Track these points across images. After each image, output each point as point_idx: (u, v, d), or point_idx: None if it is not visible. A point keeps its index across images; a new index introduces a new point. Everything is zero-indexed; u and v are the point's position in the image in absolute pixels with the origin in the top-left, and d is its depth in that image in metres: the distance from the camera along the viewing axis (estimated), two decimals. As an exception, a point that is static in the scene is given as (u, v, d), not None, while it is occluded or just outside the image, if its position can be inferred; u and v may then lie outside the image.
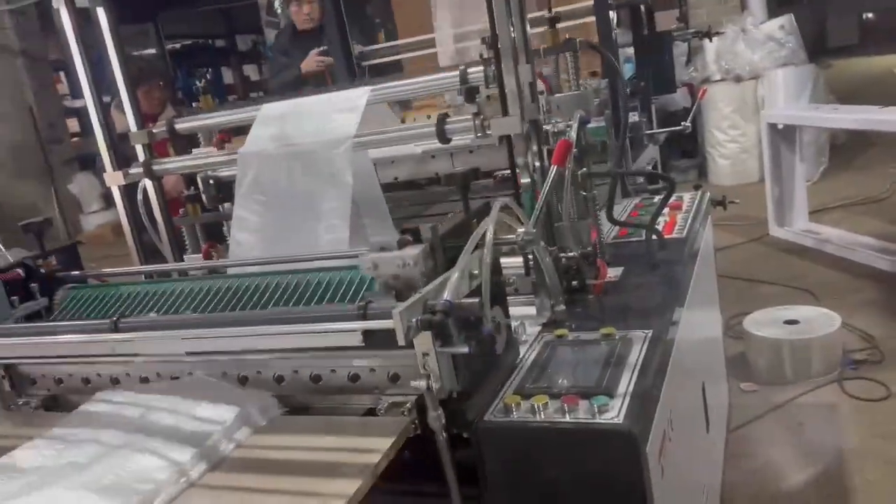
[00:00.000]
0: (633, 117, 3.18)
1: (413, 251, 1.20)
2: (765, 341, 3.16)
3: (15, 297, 1.67)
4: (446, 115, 1.69)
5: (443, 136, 1.69)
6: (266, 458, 1.25)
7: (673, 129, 3.05)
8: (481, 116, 1.64)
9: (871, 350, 3.18)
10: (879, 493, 2.31)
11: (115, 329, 1.30)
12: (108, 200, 8.44)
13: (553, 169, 1.48)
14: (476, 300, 1.13)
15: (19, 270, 1.66)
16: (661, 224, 2.17)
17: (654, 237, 1.96)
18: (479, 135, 1.64)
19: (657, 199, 2.64)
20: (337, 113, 1.81)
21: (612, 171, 1.90)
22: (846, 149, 6.66)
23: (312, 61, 4.23)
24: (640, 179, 2.80)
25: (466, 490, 1.32)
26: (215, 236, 2.28)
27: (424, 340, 1.12)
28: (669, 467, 1.40)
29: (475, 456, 1.31)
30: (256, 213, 1.82)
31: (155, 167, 1.99)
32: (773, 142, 4.87)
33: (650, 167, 3.29)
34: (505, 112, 1.62)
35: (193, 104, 2.21)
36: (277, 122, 1.88)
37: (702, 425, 2.01)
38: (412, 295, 1.22)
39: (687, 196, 2.59)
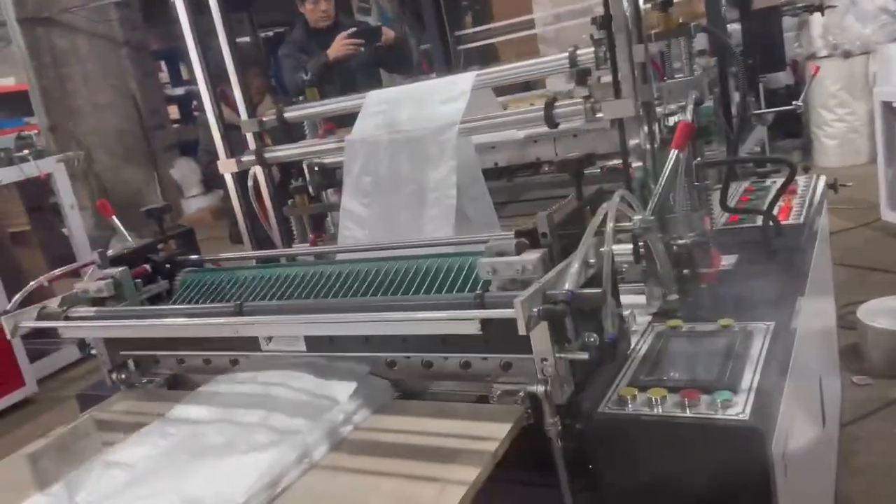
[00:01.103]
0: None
1: (532, 257, 1.20)
2: (880, 332, 2.98)
3: (138, 280, 1.76)
4: (554, 100, 1.66)
5: (551, 121, 1.66)
6: (383, 441, 1.27)
7: (784, 108, 2.89)
8: (592, 99, 1.60)
9: None
10: None
11: (240, 312, 1.35)
12: (206, 185, 8.80)
13: (673, 153, 1.43)
14: (597, 290, 1.10)
15: (147, 266, 1.75)
16: (775, 210, 2.07)
17: (770, 223, 1.88)
18: (589, 119, 1.60)
19: (768, 182, 2.53)
20: (443, 99, 1.81)
21: (727, 160, 1.81)
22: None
23: (340, 46, 4.06)
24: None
25: (578, 481, 1.31)
26: (321, 227, 2.33)
27: (543, 342, 1.11)
28: (791, 465, 1.35)
29: (587, 447, 1.29)
30: (364, 200, 1.84)
31: (266, 155, 2.04)
32: (887, 121, 4.57)
33: (758, 149, 3.14)
34: (617, 94, 1.57)
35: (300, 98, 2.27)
36: (384, 109, 1.90)
37: (819, 420, 1.92)
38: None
39: (801, 180, 2.46)
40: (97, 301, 1.68)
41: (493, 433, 1.19)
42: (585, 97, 1.59)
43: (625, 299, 1.59)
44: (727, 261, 1.82)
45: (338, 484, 1.17)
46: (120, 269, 1.71)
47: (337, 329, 1.29)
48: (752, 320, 1.48)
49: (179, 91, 10.63)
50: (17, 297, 1.63)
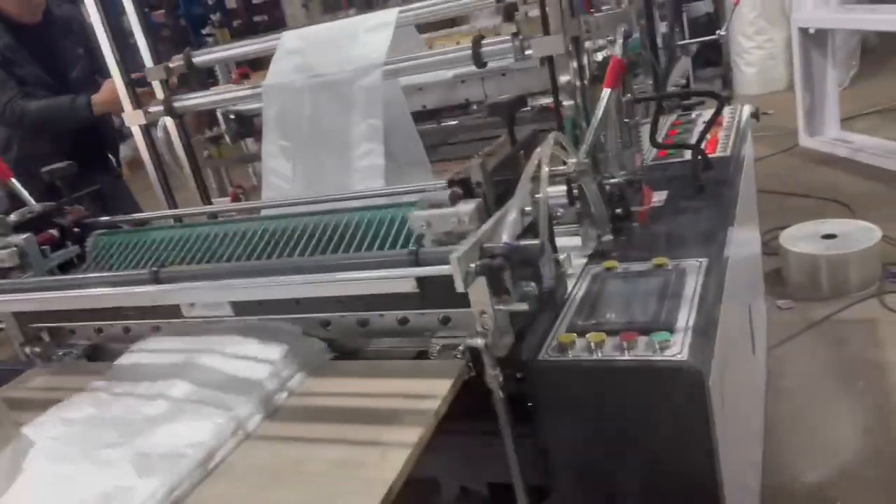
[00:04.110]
0: (665, 27, 3.03)
1: (467, 207, 1.14)
2: (801, 257, 3.09)
3: (46, 247, 1.63)
4: (482, 37, 1.59)
5: (478, 60, 1.59)
6: (320, 406, 1.23)
7: (708, 38, 2.89)
8: (520, 36, 1.53)
9: (912, 262, 3.11)
10: (926, 408, 2.28)
11: (156, 280, 1.25)
12: (120, 135, 8.31)
13: (605, 92, 1.39)
14: (535, 242, 1.06)
15: (53, 232, 1.62)
16: (703, 142, 2.07)
17: (699, 158, 1.88)
18: (518, 57, 1.54)
19: (694, 114, 2.54)
20: (364, 39, 1.71)
21: (658, 95, 1.79)
22: (878, 51, 6.39)
23: (110, 92, 2.41)
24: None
25: (519, 428, 1.31)
26: (241, 178, 2.21)
27: (481, 296, 1.07)
28: (727, 397, 1.38)
29: (528, 396, 1.28)
30: (286, 150, 1.75)
31: (176, 104, 1.90)
32: (803, 47, 4.66)
33: (683, 80, 3.15)
34: (546, 30, 1.51)
35: (203, 31, 2.10)
36: (301, 51, 1.79)
37: (748, 348, 1.98)
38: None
39: (727, 111, 2.47)
40: (1, 272, 1.55)
41: (434, 390, 1.15)
42: (514, 34, 1.52)
43: (559, 241, 1.58)
44: (658, 197, 1.82)
45: (275, 454, 1.12)
46: (24, 235, 1.58)
47: (263, 293, 1.22)
48: (684, 257, 1.48)
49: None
50: None
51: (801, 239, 3.17)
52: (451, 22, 2.79)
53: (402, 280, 1.08)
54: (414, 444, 1.05)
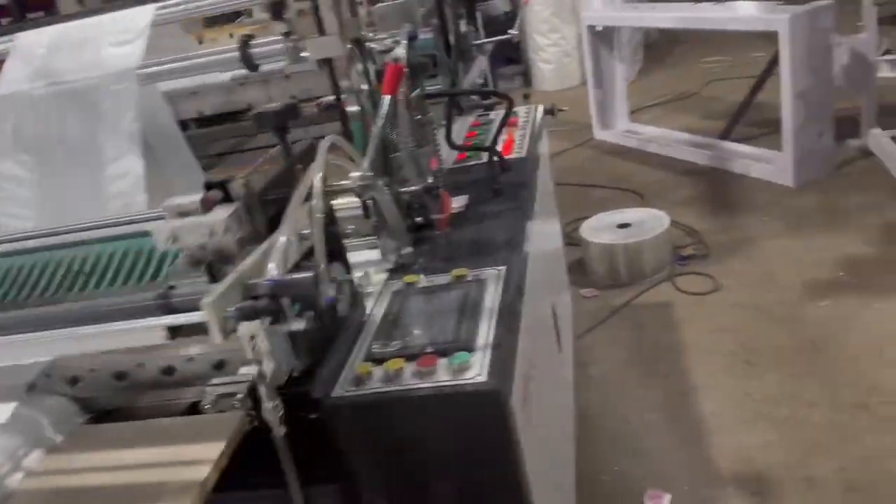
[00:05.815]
0: (461, 26, 3.00)
1: (221, 215, 0.97)
2: (601, 247, 3.22)
3: None
4: (250, 37, 1.42)
5: (249, 62, 1.42)
6: (66, 487, 1.01)
7: (500, 38, 2.90)
8: (294, 36, 1.39)
9: (697, 245, 3.34)
10: (720, 385, 2.43)
11: None
12: None
13: (385, 99, 1.28)
14: (309, 275, 0.93)
15: None
16: (499, 143, 2.05)
17: (495, 160, 1.84)
18: (292, 59, 1.39)
19: (493, 115, 2.53)
20: (114, 41, 1.48)
21: (447, 91, 1.72)
22: (657, 46, 6.93)
23: None
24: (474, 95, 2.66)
25: (320, 473, 1.18)
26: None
27: (249, 327, 0.91)
28: (533, 410, 1.34)
29: (323, 437, 1.15)
30: (24, 172, 1.47)
31: None
32: (593, 44, 4.90)
33: (481, 80, 3.15)
34: (322, 31, 1.38)
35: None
36: (39, 55, 1.52)
37: (555, 347, 1.98)
38: (228, 268, 1.00)
39: (522, 110, 2.49)
40: None
41: (202, 455, 0.98)
42: (285, 33, 1.38)
43: (358, 256, 1.46)
44: (458, 203, 1.76)
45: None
46: None
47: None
48: (484, 265, 1.42)
49: None
50: None
51: (599, 229, 3.30)
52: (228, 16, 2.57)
53: (149, 331, 0.89)
54: (175, 527, 0.88)
